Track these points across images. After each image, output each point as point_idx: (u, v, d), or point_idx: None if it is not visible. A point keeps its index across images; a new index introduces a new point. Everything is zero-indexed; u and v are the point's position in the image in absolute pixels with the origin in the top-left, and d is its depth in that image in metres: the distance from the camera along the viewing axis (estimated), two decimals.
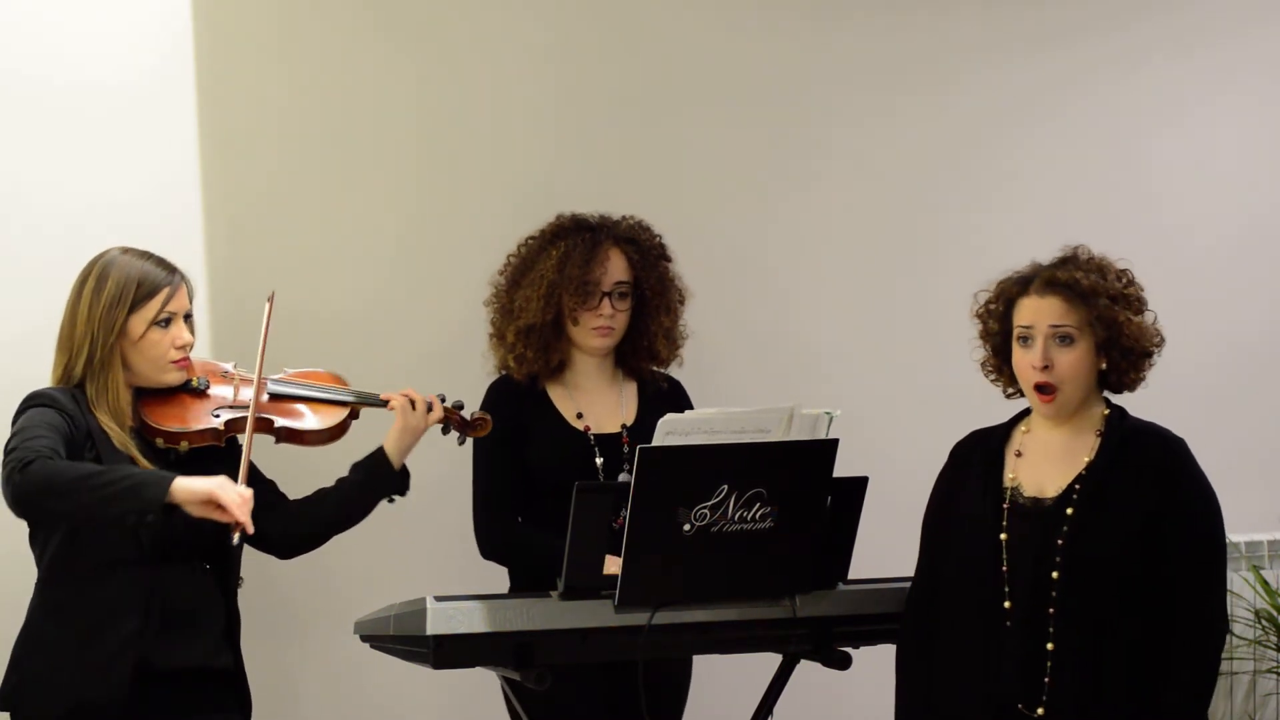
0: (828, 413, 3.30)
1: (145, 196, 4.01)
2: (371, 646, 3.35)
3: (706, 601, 3.27)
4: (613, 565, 3.22)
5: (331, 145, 4.25)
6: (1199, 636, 3.14)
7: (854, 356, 4.73)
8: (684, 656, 3.76)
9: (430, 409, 3.41)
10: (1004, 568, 3.20)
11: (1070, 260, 3.29)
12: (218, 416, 3.26)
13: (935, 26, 4.83)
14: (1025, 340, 3.26)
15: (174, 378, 3.24)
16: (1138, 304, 3.28)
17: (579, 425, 3.73)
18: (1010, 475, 3.28)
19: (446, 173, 4.35)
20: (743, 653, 3.52)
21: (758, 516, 3.21)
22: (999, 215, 4.85)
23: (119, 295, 3.17)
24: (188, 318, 3.26)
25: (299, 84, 4.23)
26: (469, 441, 3.59)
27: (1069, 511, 3.19)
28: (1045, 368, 3.22)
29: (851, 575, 3.39)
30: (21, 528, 3.20)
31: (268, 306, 3.26)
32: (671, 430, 3.22)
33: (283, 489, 3.39)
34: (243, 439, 3.23)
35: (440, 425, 3.48)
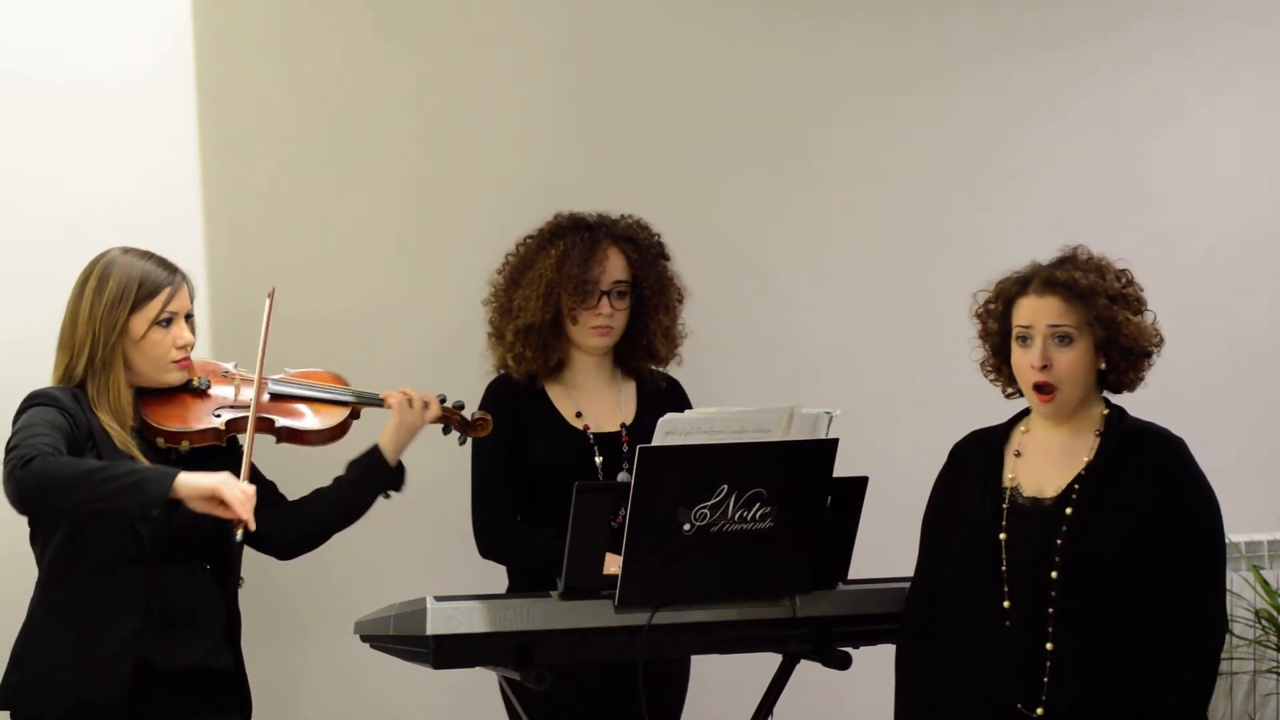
0: (828, 413, 3.30)
1: (145, 196, 4.01)
2: (371, 646, 3.35)
3: (706, 601, 3.27)
4: (613, 564, 3.22)
5: (331, 145, 4.25)
6: (1199, 636, 3.14)
7: (854, 356, 4.73)
8: (684, 656, 3.76)
9: (427, 406, 3.41)
10: (1003, 568, 3.21)
11: (1069, 260, 3.29)
12: (219, 416, 3.26)
13: (935, 26, 4.83)
14: (1024, 340, 3.26)
15: (175, 377, 3.24)
16: (1137, 304, 3.28)
17: (578, 424, 3.73)
18: (1010, 475, 3.28)
19: (446, 173, 4.35)
20: (743, 653, 3.52)
21: (758, 516, 3.21)
22: (999, 215, 4.85)
23: (120, 295, 3.18)
24: (189, 318, 3.26)
25: (299, 84, 4.23)
26: (469, 441, 3.59)
27: (1068, 511, 3.19)
28: (1044, 367, 3.22)
29: (851, 575, 3.39)
30: (22, 528, 3.21)
31: (268, 303, 3.27)
32: (671, 430, 3.22)
33: (283, 489, 3.39)
34: (243, 439, 3.23)
35: (441, 425, 3.48)
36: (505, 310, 3.77)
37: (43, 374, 3.23)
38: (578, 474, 3.49)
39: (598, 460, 3.70)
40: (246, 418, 3.23)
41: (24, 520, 3.19)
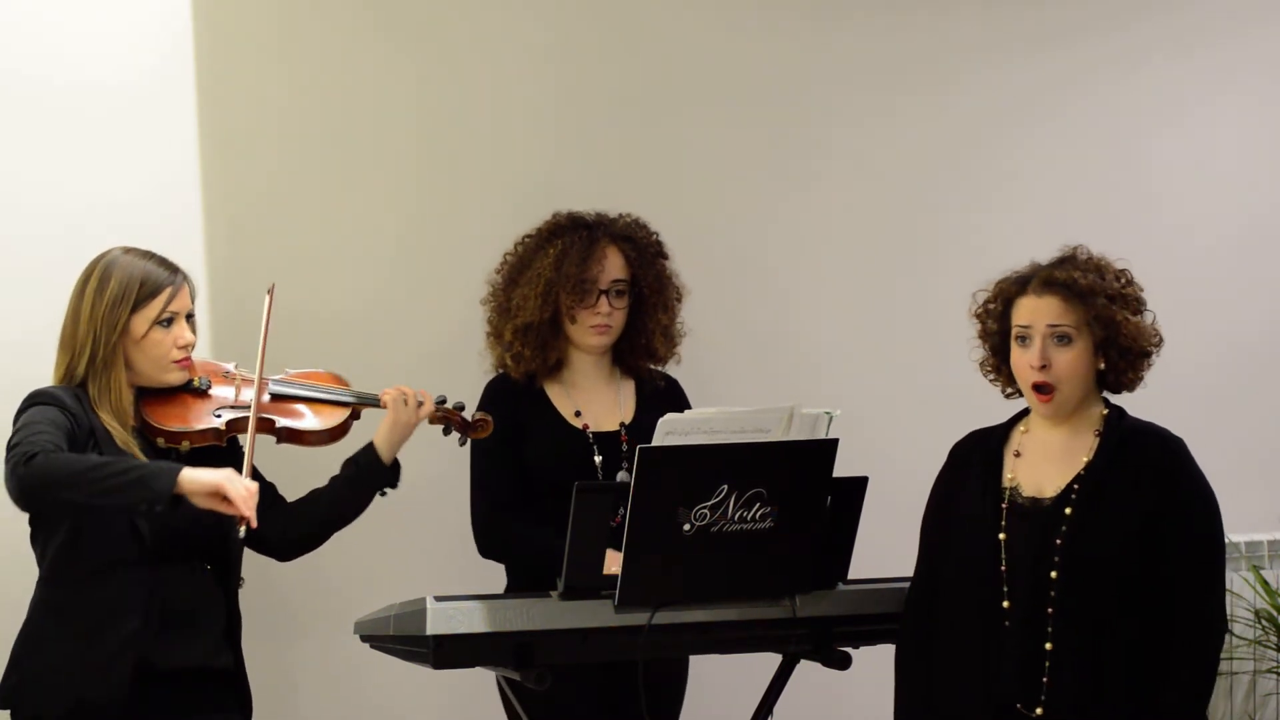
0: (828, 413, 3.30)
1: (145, 196, 4.01)
2: (371, 646, 3.35)
3: (706, 601, 3.27)
4: (613, 560, 3.22)
5: (331, 145, 4.25)
6: (1198, 636, 3.14)
7: (854, 356, 4.73)
8: (684, 656, 3.76)
9: (421, 404, 3.40)
10: (1003, 568, 3.21)
11: (1069, 260, 3.29)
12: (219, 416, 3.26)
13: (935, 26, 4.83)
14: (1023, 340, 3.26)
15: (176, 377, 3.24)
16: (1136, 304, 3.28)
17: (577, 424, 3.73)
18: (1009, 475, 3.28)
19: (446, 173, 4.35)
20: (743, 653, 3.52)
21: (758, 516, 3.21)
22: (999, 215, 4.85)
23: (121, 294, 3.18)
24: (190, 317, 3.26)
25: (299, 84, 4.23)
26: (469, 442, 3.59)
27: (1068, 511, 3.19)
28: (1043, 367, 3.22)
29: (851, 575, 3.39)
30: (22, 528, 3.21)
31: (268, 299, 3.27)
32: (671, 430, 3.22)
33: (283, 490, 3.39)
34: (243, 439, 3.23)
35: (442, 426, 3.48)
36: (504, 309, 3.77)
37: (43, 374, 3.23)
38: (577, 473, 3.50)
39: (597, 460, 3.70)
40: (247, 418, 3.23)
41: (24, 520, 3.19)
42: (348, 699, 4.25)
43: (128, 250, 3.24)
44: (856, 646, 3.44)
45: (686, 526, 3.16)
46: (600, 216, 3.81)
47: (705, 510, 3.17)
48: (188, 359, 3.25)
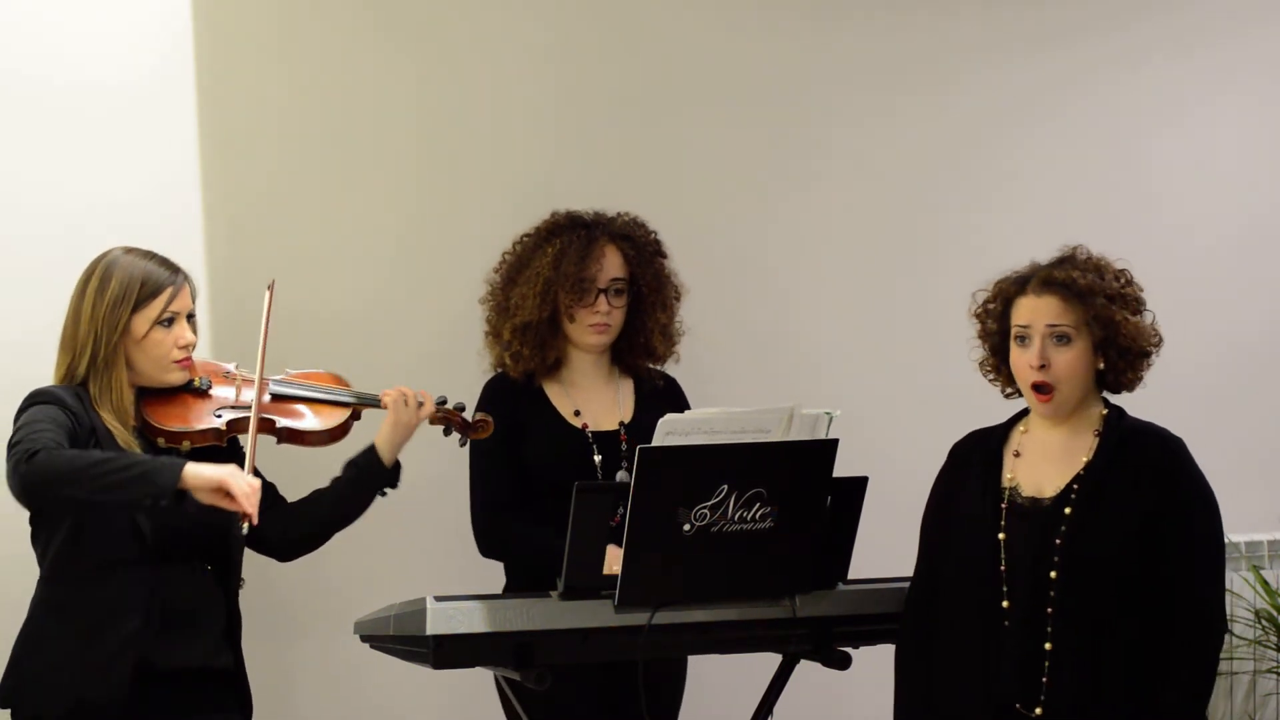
0: (828, 413, 3.30)
1: (145, 196, 4.01)
2: (371, 646, 3.35)
3: (706, 601, 3.27)
4: (613, 556, 3.22)
5: (331, 145, 4.25)
6: (1198, 636, 3.14)
7: (854, 356, 4.73)
8: (684, 656, 3.76)
9: (421, 404, 3.40)
10: (1002, 568, 3.20)
11: (1068, 260, 3.29)
12: (220, 416, 3.26)
13: (935, 26, 4.83)
14: (1022, 340, 3.26)
15: (176, 377, 3.24)
16: (1135, 304, 3.28)
17: (576, 423, 3.73)
18: (1009, 475, 3.28)
19: (446, 173, 4.35)
20: (743, 653, 3.52)
21: (758, 516, 3.21)
22: (999, 215, 4.85)
23: (122, 294, 3.18)
24: (190, 318, 3.26)
25: (299, 84, 4.23)
26: (469, 442, 3.59)
27: (1067, 511, 3.19)
28: (1042, 367, 3.22)
29: (851, 575, 3.39)
30: (23, 528, 3.21)
31: (268, 295, 3.27)
32: (671, 430, 3.22)
33: (284, 490, 3.39)
34: (244, 439, 3.24)
35: (443, 427, 3.48)
36: (502, 309, 3.77)
37: (43, 374, 3.23)
38: (576, 473, 3.50)
39: (596, 459, 3.70)
40: (247, 418, 3.23)
41: (25, 520, 3.19)
42: (348, 699, 4.25)
43: (129, 250, 3.24)
44: (856, 646, 3.44)
45: (686, 526, 3.16)
46: (599, 215, 3.81)
47: (705, 510, 3.17)
48: (188, 359, 3.25)
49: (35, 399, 3.13)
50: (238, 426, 3.26)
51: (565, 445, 3.70)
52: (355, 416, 3.39)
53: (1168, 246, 4.88)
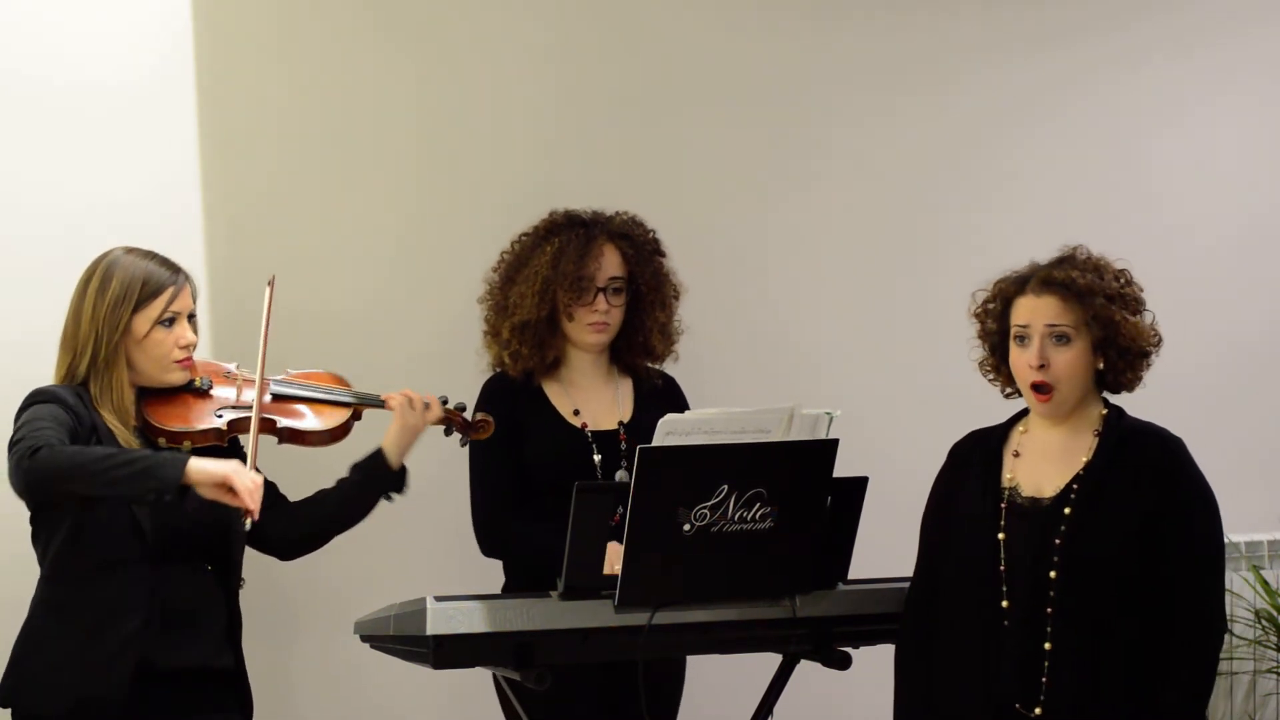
0: (828, 413, 3.30)
1: (145, 196, 4.01)
2: (371, 646, 3.35)
3: (706, 601, 3.27)
4: (614, 554, 3.22)
5: (331, 145, 4.25)
6: (1197, 636, 3.14)
7: (854, 356, 4.73)
8: (684, 656, 3.76)
9: (428, 408, 3.41)
10: (1002, 567, 3.20)
11: (1067, 260, 3.29)
12: (220, 417, 3.26)
13: (935, 26, 4.83)
14: (1022, 339, 3.26)
15: (177, 377, 3.24)
16: (1135, 304, 3.28)
17: (576, 422, 3.73)
18: (1008, 475, 3.28)
19: (446, 173, 4.36)
20: (743, 653, 3.52)
21: (758, 516, 3.21)
22: (999, 215, 4.85)
23: (123, 294, 3.18)
24: (191, 318, 3.26)
25: (299, 84, 4.23)
26: (469, 442, 3.59)
27: (1067, 511, 3.19)
28: (1041, 367, 3.22)
29: (851, 575, 3.39)
30: (23, 528, 3.21)
31: (268, 291, 3.27)
32: (671, 430, 3.22)
33: (285, 490, 3.39)
34: (244, 439, 3.24)
35: (443, 427, 3.48)
36: (501, 308, 3.77)
37: (43, 374, 3.23)
38: (576, 472, 3.50)
39: (596, 458, 3.70)
40: (248, 418, 3.23)
41: (25, 521, 3.19)
42: (348, 699, 4.25)
43: (130, 250, 3.24)
44: (856, 646, 3.44)
45: (686, 526, 3.16)
46: (597, 214, 3.81)
47: (705, 510, 3.17)
48: (189, 359, 3.25)
49: (36, 398, 3.13)
50: (239, 426, 3.26)
51: (565, 445, 3.70)
52: (356, 417, 3.40)
53: (1168, 246, 4.89)
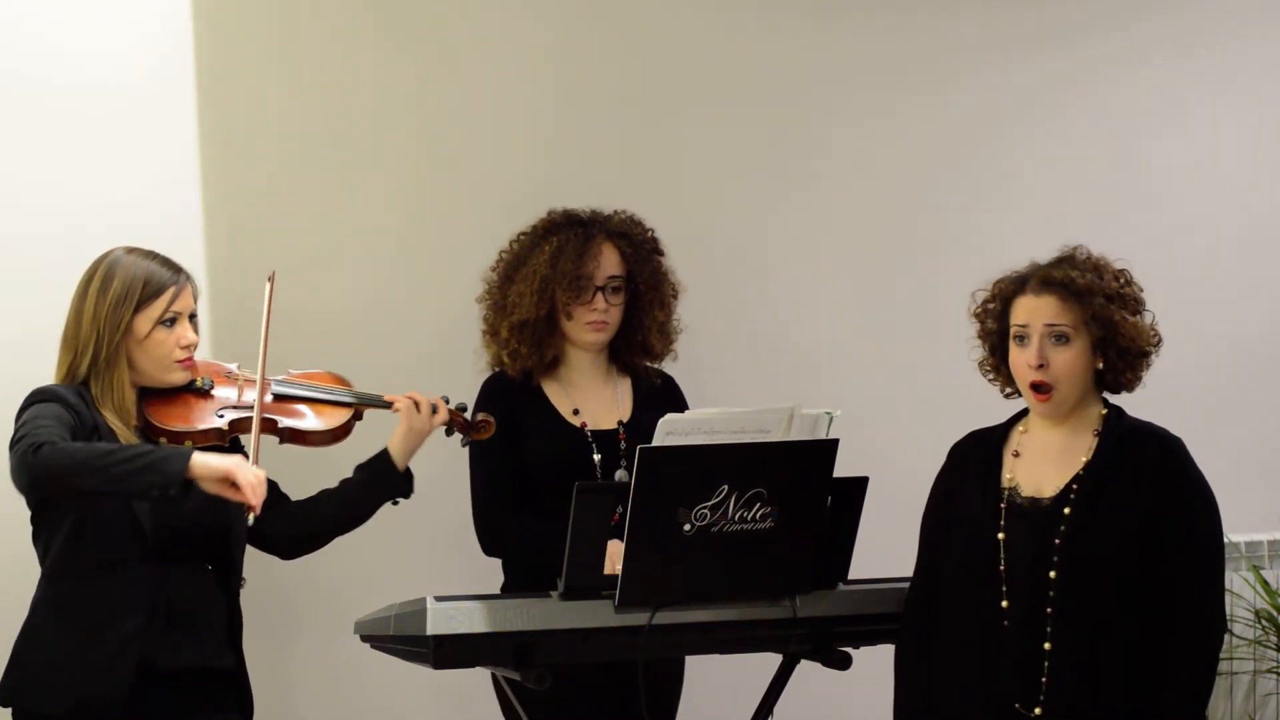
0: (828, 413, 3.30)
1: (145, 196, 4.01)
2: (371, 646, 3.35)
3: (706, 601, 3.27)
4: (615, 551, 3.22)
5: (331, 145, 4.25)
6: (1197, 636, 3.14)
7: (854, 356, 4.73)
8: (684, 656, 3.76)
9: (435, 411, 3.42)
10: (1001, 567, 3.20)
11: (1067, 260, 3.29)
12: (222, 416, 3.26)
13: (935, 26, 4.83)
14: (1021, 339, 3.26)
15: (178, 377, 3.25)
16: (1135, 304, 3.28)
17: (575, 422, 3.73)
18: (1008, 475, 3.28)
19: (446, 173, 4.36)
20: (743, 653, 3.52)
21: (758, 516, 3.21)
22: (999, 215, 4.85)
23: (125, 294, 3.18)
24: (192, 318, 3.27)
25: (299, 84, 4.23)
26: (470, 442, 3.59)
27: (1066, 511, 3.19)
28: (1040, 366, 3.22)
29: (851, 575, 3.39)
30: (23, 529, 3.21)
31: (268, 286, 3.27)
32: (672, 430, 3.22)
33: (286, 490, 3.39)
34: (245, 439, 3.24)
35: (444, 427, 3.48)
36: (500, 307, 3.77)
37: (43, 374, 3.23)
38: (576, 471, 3.50)
39: (595, 458, 3.70)
40: (250, 418, 3.23)
41: (25, 521, 3.19)
42: (348, 699, 4.25)
43: (131, 250, 3.24)
44: (856, 646, 3.44)
45: (687, 526, 3.16)
46: (595, 213, 3.81)
47: (705, 510, 3.17)
48: (190, 359, 3.25)
49: (37, 397, 3.13)
50: (240, 426, 3.26)
51: (564, 444, 3.70)
52: (357, 417, 3.40)
53: (1168, 246, 4.89)
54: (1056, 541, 3.18)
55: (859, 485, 3.32)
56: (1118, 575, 3.14)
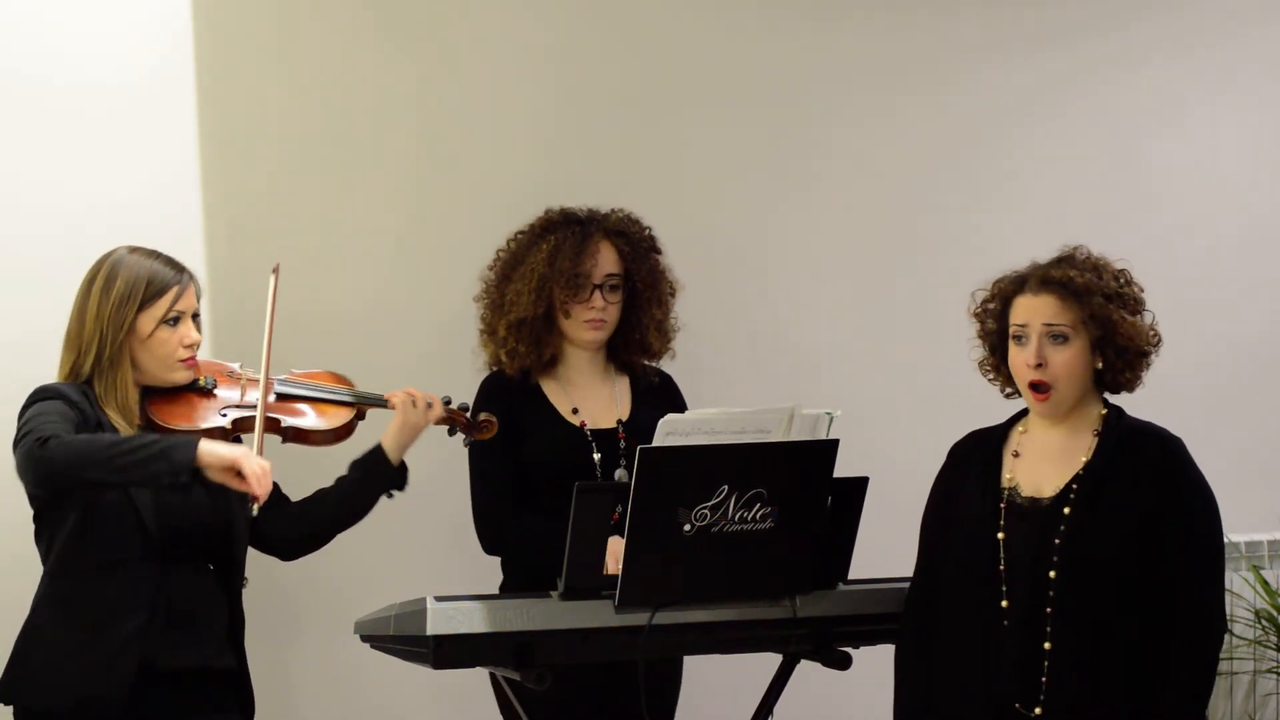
0: (828, 413, 3.30)
1: (145, 196, 4.01)
2: (371, 646, 3.35)
3: (707, 601, 3.27)
4: (615, 547, 3.22)
5: (331, 145, 4.25)
6: (1197, 636, 3.14)
7: (854, 356, 4.73)
8: (684, 656, 3.76)
9: (430, 406, 3.42)
10: (1001, 567, 3.20)
11: (1066, 259, 3.29)
12: (224, 416, 3.26)
13: (935, 26, 4.83)
14: (1020, 339, 3.26)
15: (181, 376, 3.25)
16: (1134, 304, 3.28)
17: (574, 421, 3.73)
18: (1008, 475, 3.28)
19: (446, 173, 4.36)
20: (743, 653, 3.52)
21: (758, 517, 3.21)
22: (999, 215, 4.85)
23: (128, 293, 3.19)
24: (195, 317, 3.27)
25: (299, 84, 4.23)
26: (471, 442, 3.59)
27: (1066, 511, 3.19)
28: (1039, 366, 3.22)
29: (851, 575, 3.39)
30: (24, 528, 3.21)
31: (272, 279, 3.27)
32: (672, 430, 3.22)
33: (287, 490, 3.39)
34: (248, 439, 3.24)
35: (446, 427, 3.48)
36: (497, 305, 3.77)
37: (44, 374, 3.23)
38: (576, 470, 3.50)
39: (595, 457, 3.70)
40: (253, 417, 3.24)
41: (26, 520, 3.19)
42: (348, 699, 4.25)
43: (134, 249, 3.25)
44: (856, 646, 3.44)
45: (687, 527, 3.17)
46: (593, 212, 3.81)
47: (705, 510, 3.17)
48: (193, 358, 3.26)
49: (40, 395, 3.14)
50: (243, 425, 3.27)
51: (564, 443, 3.70)
52: (360, 416, 3.40)
53: (1168, 246, 4.89)
54: (1056, 541, 3.18)
55: (859, 485, 3.32)
56: (1118, 575, 3.14)
